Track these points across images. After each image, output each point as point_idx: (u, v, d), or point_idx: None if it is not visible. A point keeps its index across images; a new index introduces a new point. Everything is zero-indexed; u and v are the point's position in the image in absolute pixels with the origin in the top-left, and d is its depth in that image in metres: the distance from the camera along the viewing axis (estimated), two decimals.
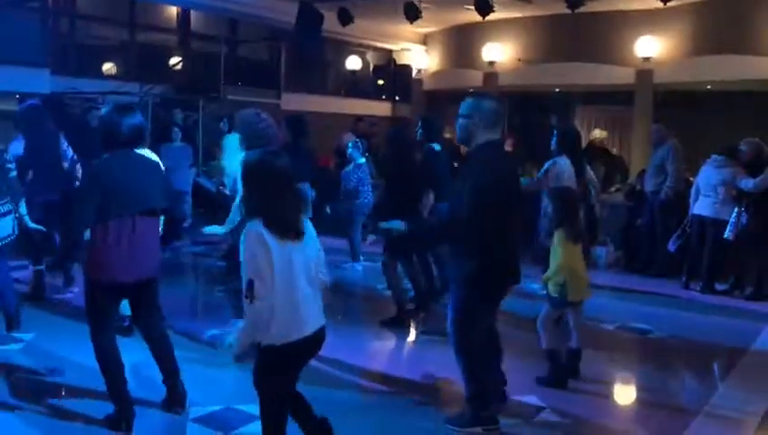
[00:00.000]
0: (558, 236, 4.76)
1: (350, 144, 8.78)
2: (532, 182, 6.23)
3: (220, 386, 4.51)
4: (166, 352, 4.03)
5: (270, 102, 13.41)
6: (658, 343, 6.06)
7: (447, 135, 10.22)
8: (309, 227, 3.10)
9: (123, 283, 3.78)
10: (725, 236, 7.42)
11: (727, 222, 7.44)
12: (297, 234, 2.97)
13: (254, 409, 4.01)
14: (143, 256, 3.79)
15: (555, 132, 5.99)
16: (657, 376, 5.30)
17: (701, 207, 7.74)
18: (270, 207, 2.92)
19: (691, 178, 8.48)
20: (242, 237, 2.90)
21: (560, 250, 4.73)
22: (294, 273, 2.95)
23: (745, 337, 6.11)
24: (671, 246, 7.99)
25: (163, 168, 4.17)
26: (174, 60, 14.08)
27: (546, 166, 5.88)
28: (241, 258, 2.89)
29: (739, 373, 5.30)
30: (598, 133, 11.67)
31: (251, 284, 2.83)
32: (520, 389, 4.59)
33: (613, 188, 10.51)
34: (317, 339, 3.09)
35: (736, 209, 7.40)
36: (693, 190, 7.87)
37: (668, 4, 10.08)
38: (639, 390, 5.18)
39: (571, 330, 4.96)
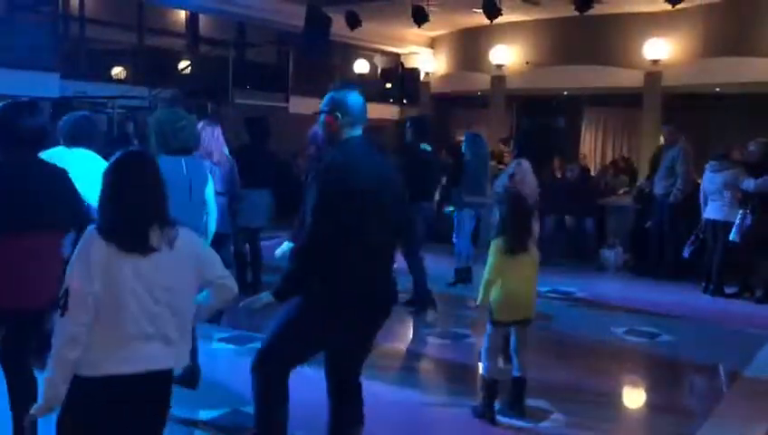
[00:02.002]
0: (494, 246, 4.14)
1: None
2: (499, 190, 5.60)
3: (226, 389, 4.52)
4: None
5: (278, 106, 13.46)
6: (667, 347, 6.03)
7: (461, 138, 10.23)
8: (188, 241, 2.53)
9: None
10: (731, 238, 7.39)
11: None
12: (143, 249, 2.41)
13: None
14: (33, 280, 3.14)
15: (516, 135, 5.92)
16: (665, 381, 5.29)
17: (711, 211, 7.73)
18: (108, 212, 2.43)
19: (699, 181, 8.45)
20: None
21: (491, 261, 4.12)
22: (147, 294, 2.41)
23: (755, 341, 6.07)
24: (685, 253, 7.95)
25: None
26: (183, 64, 14.14)
27: (511, 169, 5.75)
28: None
29: (748, 378, 5.26)
30: None
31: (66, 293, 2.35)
32: (529, 392, 4.58)
33: (621, 191, 10.49)
34: (152, 381, 2.45)
35: (741, 211, 7.38)
36: (701, 195, 7.85)
37: (677, 6, 10.05)
38: (648, 394, 5.15)
39: (510, 354, 4.30)
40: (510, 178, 5.66)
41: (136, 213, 2.42)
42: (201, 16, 14.12)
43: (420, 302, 6.47)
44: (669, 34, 12.25)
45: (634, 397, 5.19)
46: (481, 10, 11.02)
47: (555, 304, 7.17)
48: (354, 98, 3.32)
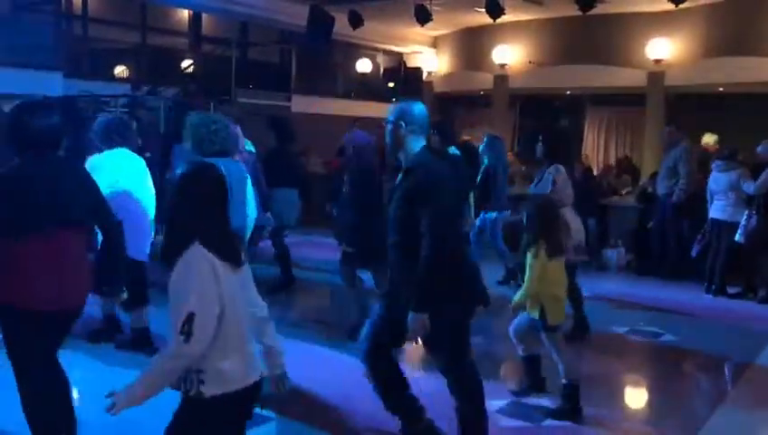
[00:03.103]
0: (534, 252, 4.21)
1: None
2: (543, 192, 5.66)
3: None
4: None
5: (280, 105, 13.47)
6: (670, 347, 6.03)
7: (466, 137, 10.23)
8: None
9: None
10: (736, 238, 7.39)
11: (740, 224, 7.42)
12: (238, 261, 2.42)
13: (266, 411, 4.07)
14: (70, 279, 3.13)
15: (544, 137, 5.88)
16: (668, 381, 5.28)
17: (715, 210, 7.73)
18: (208, 225, 2.39)
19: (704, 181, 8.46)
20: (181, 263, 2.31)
21: (536, 269, 4.19)
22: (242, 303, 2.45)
23: (758, 341, 6.07)
24: (693, 251, 7.94)
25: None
26: (186, 63, 14.15)
27: (551, 173, 5.69)
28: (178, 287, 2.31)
29: (750, 378, 5.27)
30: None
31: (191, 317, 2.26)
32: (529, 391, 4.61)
33: (624, 191, 10.48)
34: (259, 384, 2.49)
35: (746, 212, 7.38)
36: (708, 195, 7.85)
37: (680, 6, 10.04)
38: (651, 394, 5.16)
39: (555, 362, 4.36)
40: (553, 184, 5.61)
41: (227, 225, 2.46)
42: (204, 15, 14.14)
43: None
44: (672, 34, 12.23)
45: (637, 396, 5.19)
46: (484, 9, 11.01)
47: None
48: (418, 108, 3.53)
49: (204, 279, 2.28)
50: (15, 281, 3.03)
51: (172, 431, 2.39)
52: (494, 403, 4.41)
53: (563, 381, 4.30)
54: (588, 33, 12.73)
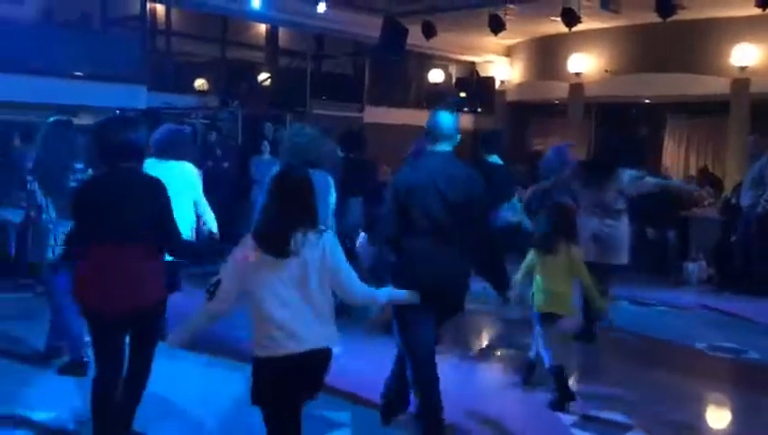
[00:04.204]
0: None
1: None
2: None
3: None
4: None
5: (353, 116, 13.64)
6: (751, 365, 5.79)
7: (539, 147, 10.12)
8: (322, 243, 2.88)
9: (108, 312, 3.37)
10: None
11: None
12: (281, 252, 2.80)
13: (336, 415, 4.13)
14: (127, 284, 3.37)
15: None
16: (748, 399, 5.06)
17: None
18: (262, 219, 2.90)
19: None
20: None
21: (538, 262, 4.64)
22: (289, 288, 2.83)
23: None
24: None
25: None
26: (262, 76, 14.52)
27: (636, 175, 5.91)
28: None
29: None
30: None
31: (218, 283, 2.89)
32: (607, 404, 4.52)
33: (706, 203, 10.13)
34: (311, 359, 2.88)
35: None
36: None
37: (767, 10, 9.64)
38: (730, 413, 4.96)
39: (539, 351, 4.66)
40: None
41: (284, 222, 2.84)
42: (280, 29, 14.47)
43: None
44: (759, 40, 11.76)
45: (716, 415, 5.00)
46: (559, 18, 10.89)
47: (635, 316, 6.99)
48: (438, 117, 3.82)
49: (235, 260, 2.87)
50: (77, 280, 3.44)
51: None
52: (566, 418, 4.36)
53: (547, 366, 4.51)
54: (667, 41, 12.38)
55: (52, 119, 4.92)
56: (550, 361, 4.52)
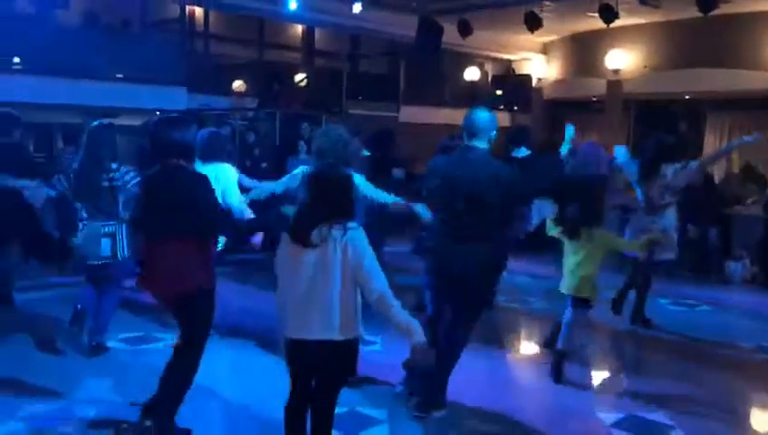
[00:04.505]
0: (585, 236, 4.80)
1: None
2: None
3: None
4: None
5: (389, 115, 13.67)
6: None
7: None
8: (350, 239, 3.00)
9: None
10: None
11: None
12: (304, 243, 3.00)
13: (378, 413, 4.16)
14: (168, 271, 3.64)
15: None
16: None
17: None
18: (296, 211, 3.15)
19: None
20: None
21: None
22: (303, 276, 3.02)
23: None
24: None
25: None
26: (299, 76, 14.65)
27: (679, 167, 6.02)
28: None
29: None
30: None
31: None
32: (650, 404, 4.48)
33: (749, 201, 9.91)
34: (317, 350, 3.02)
35: None
36: None
37: None
38: None
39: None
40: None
41: (307, 213, 3.05)
42: (317, 30, 14.57)
43: None
44: None
45: (762, 418, 4.90)
46: (596, 14, 10.77)
47: (677, 315, 6.89)
48: (473, 114, 4.02)
49: (279, 248, 3.11)
50: (140, 268, 3.83)
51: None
52: (608, 417, 4.32)
53: (558, 345, 4.81)
54: (708, 35, 12.15)
55: (95, 122, 5.05)
56: (561, 342, 4.80)
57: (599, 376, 5.35)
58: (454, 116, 15.27)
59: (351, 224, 3.02)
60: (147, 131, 3.73)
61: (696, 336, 6.29)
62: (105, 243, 4.79)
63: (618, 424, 4.22)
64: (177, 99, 10.92)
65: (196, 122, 3.91)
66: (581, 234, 4.74)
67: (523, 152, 6.82)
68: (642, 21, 12.94)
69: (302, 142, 10.07)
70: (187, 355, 3.69)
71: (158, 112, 9.52)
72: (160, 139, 3.59)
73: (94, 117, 5.56)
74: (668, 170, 6.01)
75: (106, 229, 4.83)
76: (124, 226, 4.84)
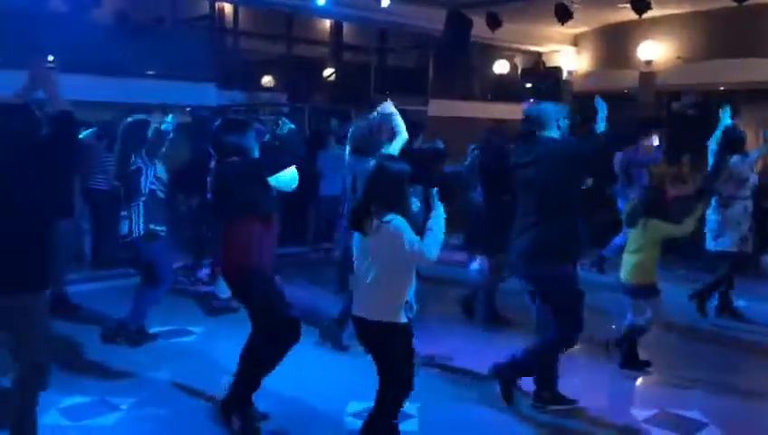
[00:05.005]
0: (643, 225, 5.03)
1: None
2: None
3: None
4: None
5: (418, 109, 13.62)
6: None
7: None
8: (389, 228, 3.26)
9: None
10: None
11: None
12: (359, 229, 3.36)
13: (409, 407, 4.17)
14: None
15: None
16: None
17: None
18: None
19: None
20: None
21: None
22: (360, 260, 3.40)
23: None
24: None
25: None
26: (327, 71, 14.67)
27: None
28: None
29: None
30: None
31: None
32: (685, 401, 4.43)
33: None
34: (358, 325, 3.44)
35: None
36: None
37: None
38: None
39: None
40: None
41: (365, 204, 3.37)
42: (345, 24, 14.58)
43: None
44: None
45: None
46: (628, 5, 10.62)
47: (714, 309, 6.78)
48: (537, 106, 4.75)
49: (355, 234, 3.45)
50: None
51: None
52: (641, 413, 4.28)
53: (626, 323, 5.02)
54: (742, 25, 11.92)
55: (129, 119, 5.25)
56: (628, 321, 5.00)
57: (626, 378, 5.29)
58: (483, 109, 15.23)
59: (389, 216, 3.24)
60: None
61: (731, 330, 6.20)
62: (124, 223, 5.25)
63: (650, 420, 4.16)
64: (207, 95, 11.01)
65: (251, 123, 4.20)
66: (639, 223, 4.99)
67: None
68: (675, 11, 12.74)
69: (331, 137, 10.09)
70: (253, 338, 3.97)
71: (188, 109, 9.61)
72: (216, 139, 3.99)
73: (125, 113, 5.74)
74: (733, 161, 6.26)
75: (124, 213, 5.26)
76: (141, 205, 5.20)
